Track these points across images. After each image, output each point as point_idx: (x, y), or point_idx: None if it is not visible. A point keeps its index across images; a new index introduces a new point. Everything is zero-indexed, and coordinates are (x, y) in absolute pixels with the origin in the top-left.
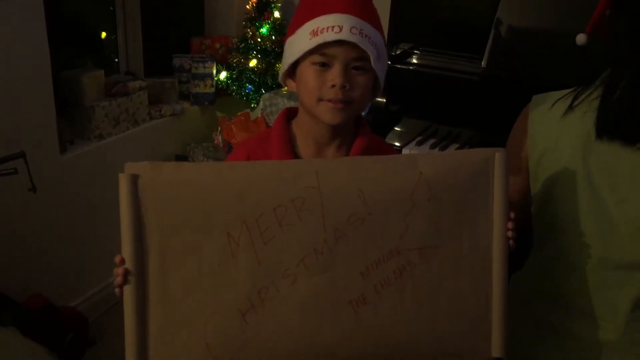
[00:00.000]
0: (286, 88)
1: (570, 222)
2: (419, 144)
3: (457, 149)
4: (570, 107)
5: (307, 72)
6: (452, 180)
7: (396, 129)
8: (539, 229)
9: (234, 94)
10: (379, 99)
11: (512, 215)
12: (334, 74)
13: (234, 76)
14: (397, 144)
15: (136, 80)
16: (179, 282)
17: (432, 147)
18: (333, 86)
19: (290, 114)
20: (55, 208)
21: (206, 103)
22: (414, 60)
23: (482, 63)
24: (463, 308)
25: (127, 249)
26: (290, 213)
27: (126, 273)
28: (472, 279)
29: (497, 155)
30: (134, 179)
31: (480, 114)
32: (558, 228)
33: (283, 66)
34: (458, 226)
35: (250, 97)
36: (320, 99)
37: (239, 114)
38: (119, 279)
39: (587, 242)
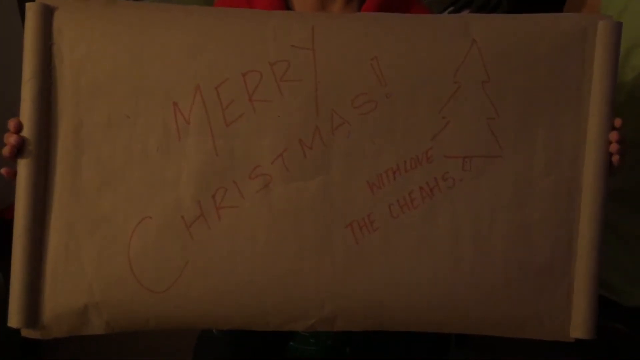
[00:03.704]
0: None
1: None
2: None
3: None
4: None
5: None
6: (524, 56)
7: None
8: None
9: None
10: None
11: (619, 122)
12: None
13: None
14: None
15: None
16: (98, 168)
17: None
18: None
19: None
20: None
21: None
22: None
23: None
24: (530, 254)
25: (27, 111)
26: (266, 83)
27: (22, 143)
28: (548, 212)
29: (603, 25)
30: (48, 13)
31: None
32: (634, 105)
33: None
34: (529, 128)
35: None
36: None
37: None
38: (6, 150)
39: None
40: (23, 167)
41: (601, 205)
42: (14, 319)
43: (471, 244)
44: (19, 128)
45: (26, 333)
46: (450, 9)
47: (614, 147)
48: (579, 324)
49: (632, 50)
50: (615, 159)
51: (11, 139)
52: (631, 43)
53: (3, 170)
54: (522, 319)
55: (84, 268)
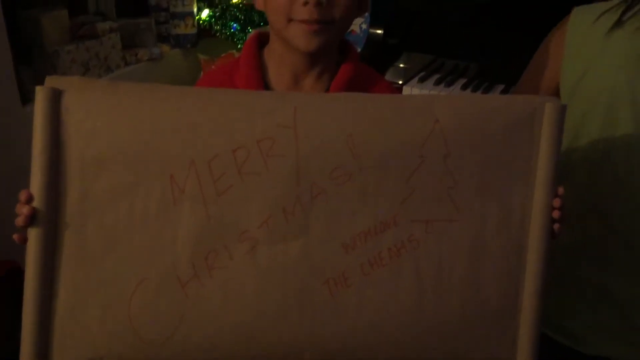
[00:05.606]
0: None
1: (607, 159)
2: (422, 80)
3: (464, 84)
4: (619, 22)
5: None
6: (480, 134)
7: (395, 64)
8: (563, 167)
9: (218, 34)
10: (376, 31)
11: (561, 190)
12: None
13: (217, 14)
14: (396, 81)
15: (106, 21)
16: (101, 234)
17: (437, 83)
18: (306, 3)
19: (263, 39)
20: (19, 165)
21: (188, 45)
22: None
23: None
24: (482, 303)
25: (37, 183)
26: (254, 158)
27: (33, 213)
28: (498, 268)
29: (549, 107)
30: (57, 96)
31: (491, 43)
32: (589, 166)
33: None
34: (483, 196)
35: (236, 36)
36: (290, 19)
37: (223, 55)
38: (20, 220)
39: (625, 184)
40: (33, 235)
41: (544, 264)
42: None
43: (432, 296)
44: (29, 199)
45: None
46: (422, 74)
47: (556, 214)
48: None
49: (586, 115)
50: (557, 227)
51: (24, 210)
52: (586, 109)
53: (15, 237)
54: (477, 357)
55: (89, 325)
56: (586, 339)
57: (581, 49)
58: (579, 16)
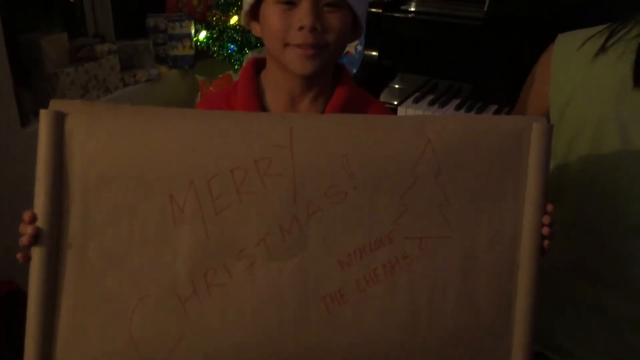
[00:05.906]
0: None
1: (596, 180)
2: (416, 100)
3: (458, 104)
4: (603, 48)
5: (271, 12)
6: (470, 153)
7: (390, 85)
8: (555, 188)
9: (215, 55)
10: (371, 53)
11: (550, 207)
12: (302, 13)
13: (215, 35)
14: (391, 102)
15: (104, 43)
16: (103, 252)
17: (431, 103)
18: (301, 28)
19: (259, 64)
20: (18, 186)
21: (185, 66)
22: (410, 8)
23: (485, 6)
24: (476, 319)
25: (41, 204)
26: (251, 177)
27: (36, 233)
28: (490, 284)
29: (536, 127)
30: (60, 118)
31: (484, 64)
32: (580, 187)
33: (244, 6)
34: (475, 213)
35: (233, 57)
36: (286, 44)
37: (220, 76)
38: (24, 239)
39: (614, 205)
40: (37, 254)
41: (535, 279)
42: None
43: (426, 312)
44: (33, 219)
45: None
46: (416, 94)
47: (545, 230)
48: None
49: (575, 138)
50: (547, 243)
51: (28, 230)
52: (574, 132)
53: (19, 256)
54: None
55: (91, 342)
56: (579, 356)
57: (567, 75)
58: (564, 42)
